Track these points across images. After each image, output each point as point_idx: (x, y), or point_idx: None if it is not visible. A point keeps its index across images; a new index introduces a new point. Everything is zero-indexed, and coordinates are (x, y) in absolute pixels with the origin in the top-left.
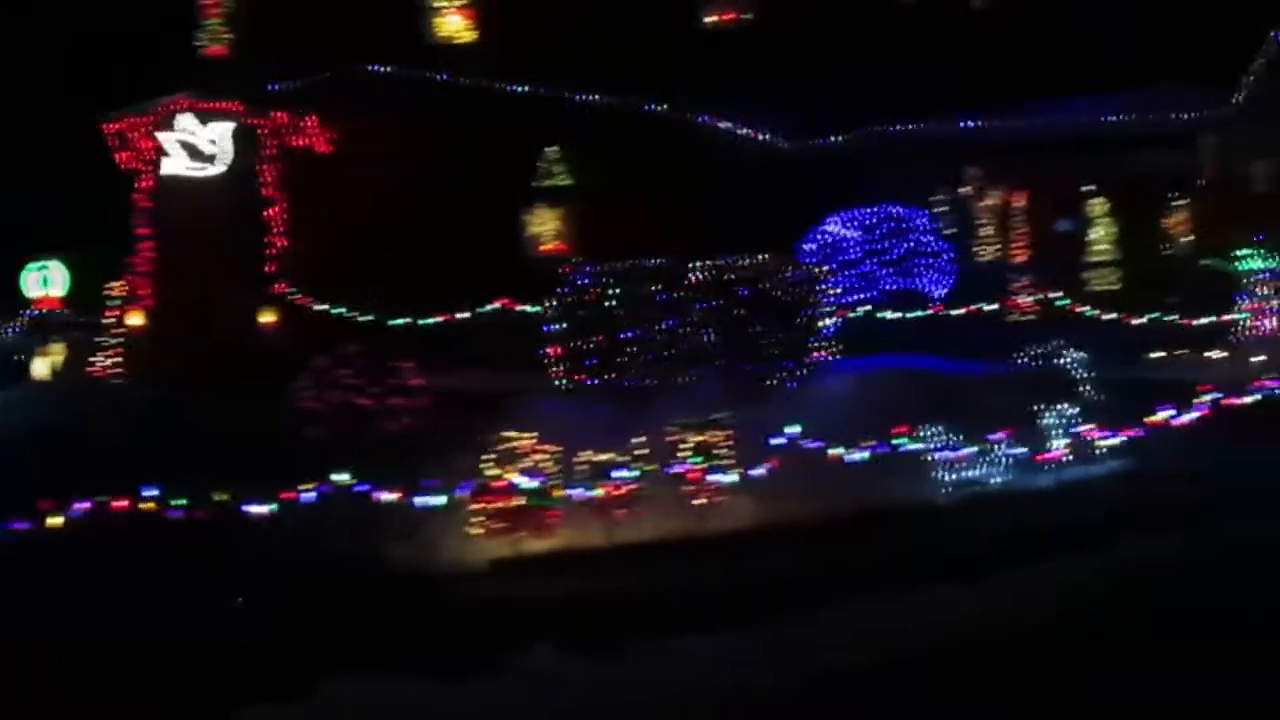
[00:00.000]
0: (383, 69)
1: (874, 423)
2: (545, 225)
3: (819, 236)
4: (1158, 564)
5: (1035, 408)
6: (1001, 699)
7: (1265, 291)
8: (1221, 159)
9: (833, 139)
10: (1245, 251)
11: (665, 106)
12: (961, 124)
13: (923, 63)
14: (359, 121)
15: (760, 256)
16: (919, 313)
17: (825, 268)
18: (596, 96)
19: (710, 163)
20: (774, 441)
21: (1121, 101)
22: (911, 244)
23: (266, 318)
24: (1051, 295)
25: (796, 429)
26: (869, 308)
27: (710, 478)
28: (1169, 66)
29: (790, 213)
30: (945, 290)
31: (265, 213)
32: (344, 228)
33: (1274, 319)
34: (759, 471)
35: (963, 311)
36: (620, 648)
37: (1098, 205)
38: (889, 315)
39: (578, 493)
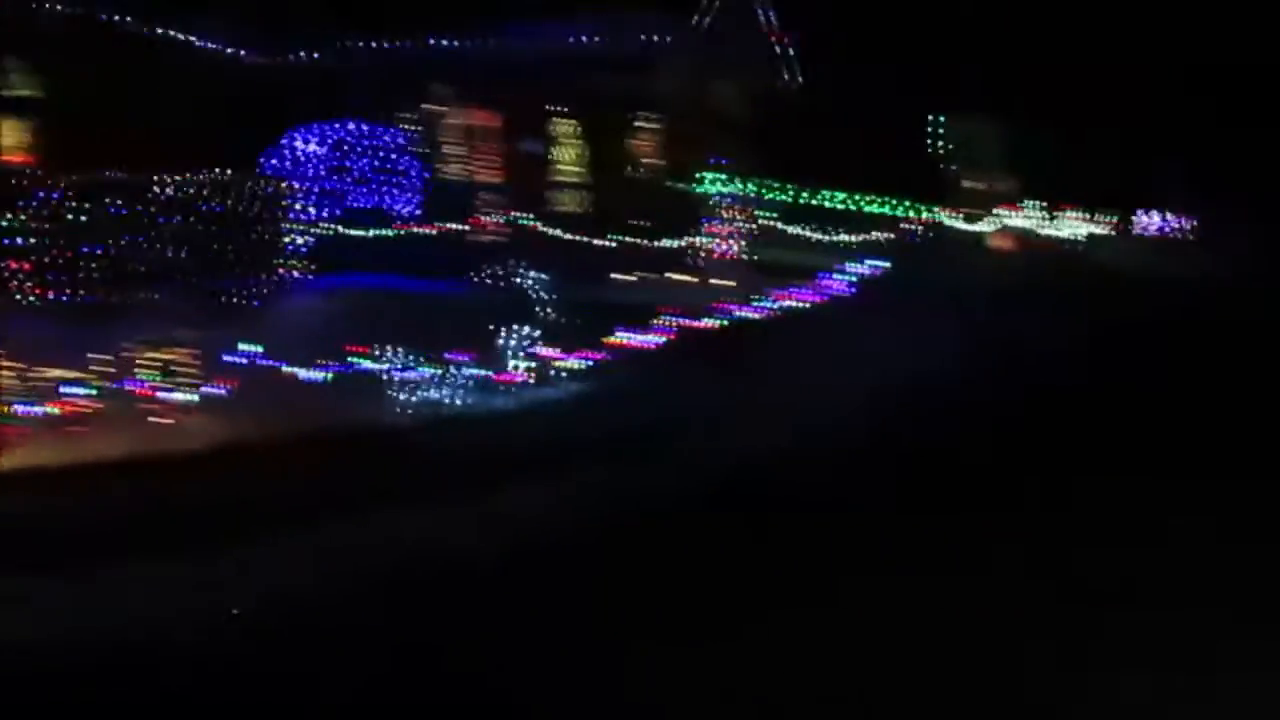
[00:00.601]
0: None
1: (338, 342)
2: (7, 137)
3: (287, 152)
4: (615, 489)
5: (498, 329)
6: (452, 622)
7: (727, 215)
8: (686, 83)
9: (302, 55)
10: (708, 175)
11: (128, 17)
12: (431, 43)
13: None
14: None
15: (226, 172)
16: (385, 231)
17: (292, 184)
18: (58, 5)
19: (177, 76)
20: (234, 360)
21: (589, 24)
22: (379, 162)
23: None
24: (517, 215)
25: (256, 348)
26: (336, 225)
27: (170, 397)
28: None
29: (258, 128)
30: (412, 209)
31: None
32: None
33: (735, 242)
34: (218, 391)
35: (429, 230)
36: (86, 570)
37: (565, 127)
38: (355, 233)
39: (36, 410)
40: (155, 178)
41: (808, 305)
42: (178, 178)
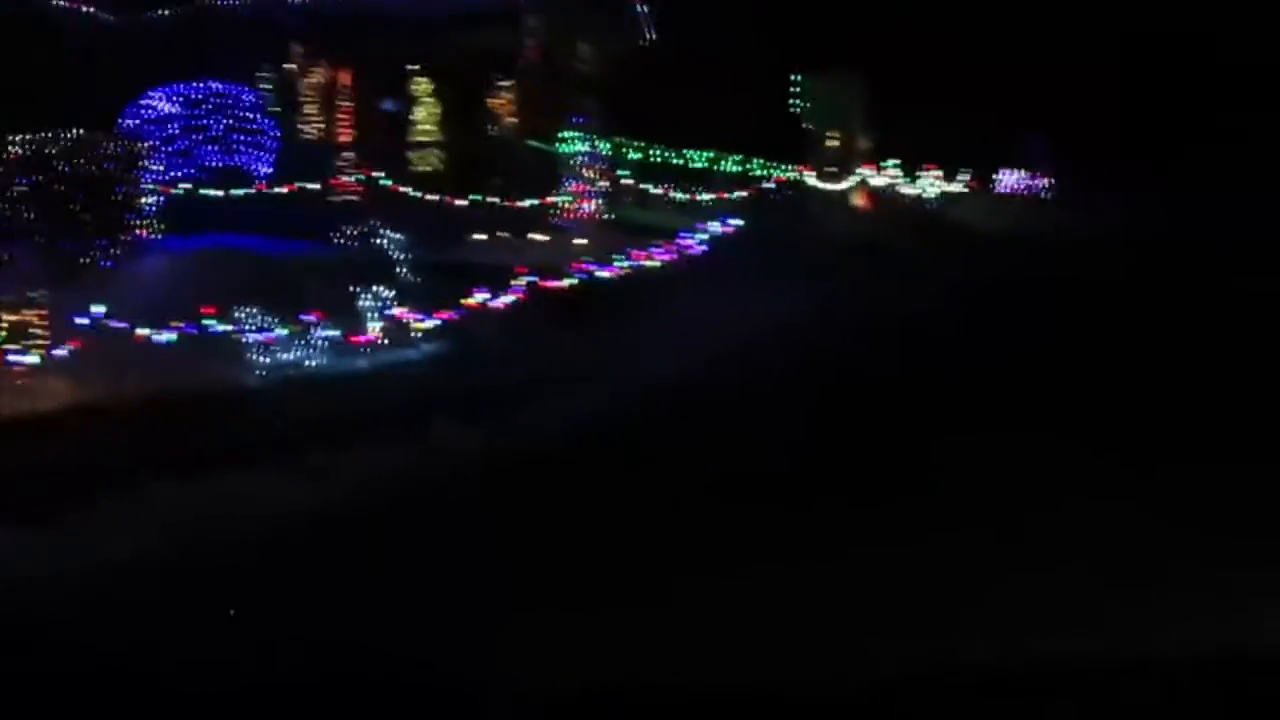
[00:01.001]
0: None
1: (191, 303)
2: None
3: (141, 112)
4: (469, 448)
5: (352, 289)
6: (305, 580)
7: (586, 174)
8: (546, 40)
9: (159, 13)
10: (567, 134)
11: None
12: (288, 1)
13: None
14: None
15: (80, 132)
16: (242, 191)
17: (147, 144)
18: None
19: (31, 34)
20: (80, 321)
21: None
22: (235, 121)
23: None
24: (374, 175)
25: (102, 309)
26: (191, 185)
27: (11, 358)
28: None
29: (113, 87)
30: (268, 169)
31: None
32: None
33: (594, 202)
34: (61, 352)
35: (285, 190)
36: None
37: (423, 85)
38: (211, 193)
39: None
40: (7, 137)
41: (663, 264)
42: (31, 137)
